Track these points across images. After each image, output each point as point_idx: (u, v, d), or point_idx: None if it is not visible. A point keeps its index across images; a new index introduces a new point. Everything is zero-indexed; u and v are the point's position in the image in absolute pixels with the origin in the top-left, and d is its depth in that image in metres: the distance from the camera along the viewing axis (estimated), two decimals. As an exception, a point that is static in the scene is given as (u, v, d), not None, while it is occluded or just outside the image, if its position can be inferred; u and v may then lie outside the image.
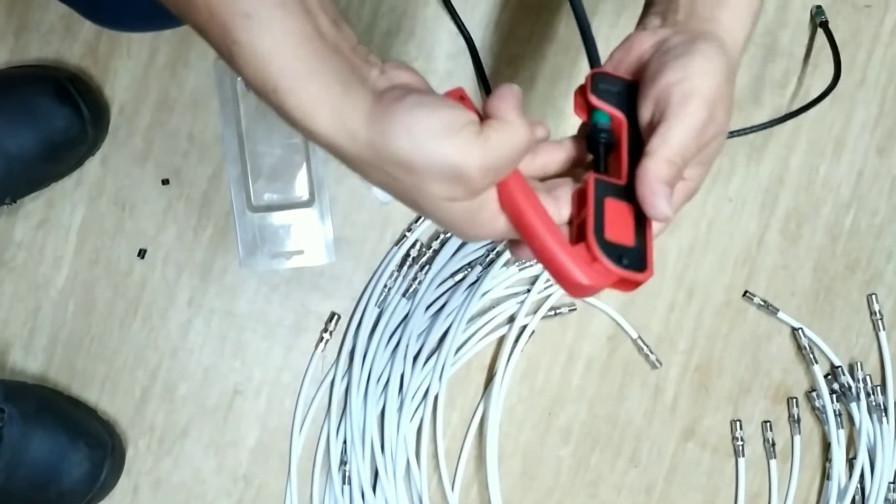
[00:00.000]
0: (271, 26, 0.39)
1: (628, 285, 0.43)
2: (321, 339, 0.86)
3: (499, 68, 0.87)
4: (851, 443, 0.91)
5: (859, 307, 0.92)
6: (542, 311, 0.87)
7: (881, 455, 0.89)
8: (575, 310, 0.88)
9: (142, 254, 0.85)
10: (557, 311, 0.88)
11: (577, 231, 0.44)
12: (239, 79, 0.84)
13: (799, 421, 0.91)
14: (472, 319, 0.87)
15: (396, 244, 0.87)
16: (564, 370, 0.89)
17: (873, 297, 0.92)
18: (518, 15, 0.87)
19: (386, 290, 0.86)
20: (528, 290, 0.87)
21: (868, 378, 0.90)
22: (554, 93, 0.88)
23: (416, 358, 0.85)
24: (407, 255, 0.86)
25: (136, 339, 0.85)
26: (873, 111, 0.91)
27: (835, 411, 0.89)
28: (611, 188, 0.44)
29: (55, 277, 0.85)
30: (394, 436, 0.84)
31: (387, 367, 0.85)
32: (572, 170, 0.48)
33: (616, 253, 0.42)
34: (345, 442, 0.85)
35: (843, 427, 0.89)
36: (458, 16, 0.86)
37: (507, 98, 0.42)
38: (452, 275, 0.86)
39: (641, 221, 0.44)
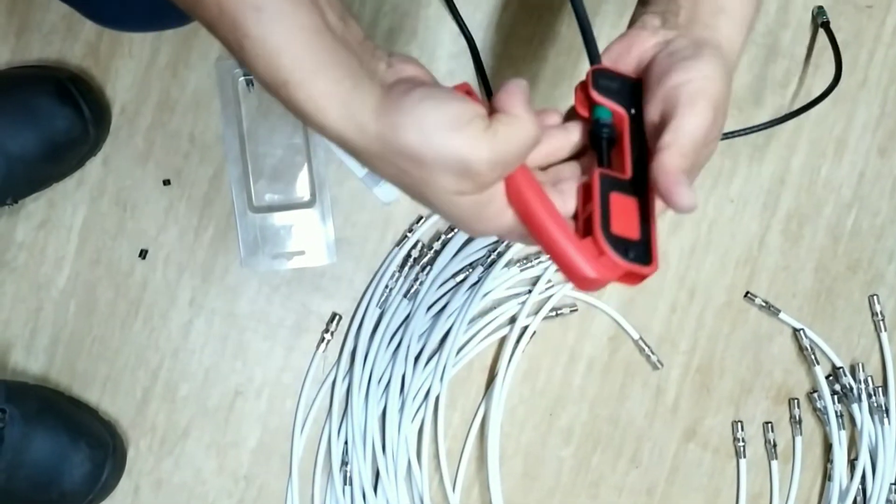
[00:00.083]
0: (282, 20, 0.39)
1: (634, 278, 0.43)
2: (322, 339, 0.86)
3: (500, 69, 0.87)
4: (853, 444, 0.91)
5: (861, 308, 0.92)
6: (544, 312, 0.87)
7: (882, 456, 0.89)
8: (576, 310, 0.88)
9: (143, 254, 0.85)
10: (559, 312, 0.88)
11: (584, 225, 0.44)
12: (240, 79, 0.84)
13: (800, 422, 0.90)
14: (473, 320, 0.87)
15: (398, 245, 0.87)
16: (566, 371, 0.89)
17: (875, 297, 0.91)
18: (520, 16, 0.87)
19: (387, 290, 0.86)
20: (530, 291, 0.87)
21: (869, 379, 0.90)
22: (555, 93, 0.88)
23: (417, 358, 0.85)
24: (408, 255, 0.86)
25: (137, 340, 0.86)
26: (875, 112, 0.91)
27: (836, 412, 0.89)
28: (615, 182, 0.44)
29: (56, 278, 0.85)
30: (395, 436, 0.84)
31: (388, 368, 0.85)
32: (577, 156, 0.48)
33: (622, 246, 0.42)
34: (346, 442, 0.85)
35: (844, 428, 0.89)
36: (460, 16, 0.86)
37: (515, 93, 0.42)
38: (454, 275, 0.86)
39: (646, 215, 0.44)
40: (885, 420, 0.89)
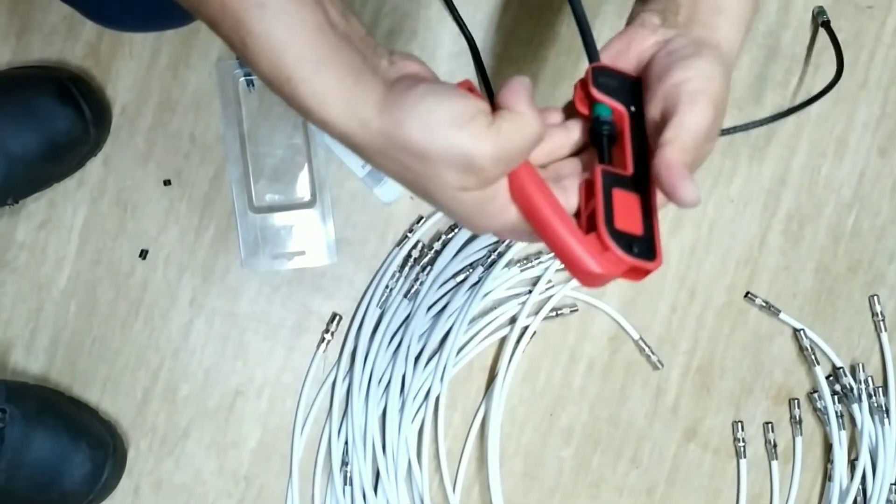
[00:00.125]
0: (285, 17, 0.39)
1: (638, 273, 0.44)
2: (323, 339, 0.86)
3: (500, 69, 0.87)
4: (853, 444, 0.91)
5: (861, 308, 0.92)
6: (544, 312, 0.87)
7: (883, 456, 0.89)
8: (576, 311, 0.88)
9: (143, 254, 0.85)
10: (559, 312, 0.88)
11: (587, 221, 0.44)
12: (241, 80, 0.84)
13: (800, 422, 0.90)
14: (473, 320, 0.87)
15: (398, 245, 0.87)
16: (566, 371, 0.89)
17: (875, 298, 0.91)
18: (520, 16, 0.88)
19: (387, 290, 0.86)
20: (530, 291, 0.87)
21: (870, 379, 0.90)
22: (556, 94, 0.88)
23: (417, 359, 0.85)
24: (408, 255, 0.86)
25: (137, 340, 0.86)
26: (875, 112, 0.91)
27: (836, 412, 0.89)
28: (617, 179, 0.45)
29: (57, 278, 0.85)
30: (395, 437, 0.84)
31: (388, 368, 0.85)
32: (576, 153, 0.49)
33: (626, 242, 0.43)
34: (346, 443, 0.85)
35: (844, 428, 0.89)
36: (460, 17, 0.86)
37: (518, 90, 0.42)
38: (454, 276, 0.86)
39: (648, 211, 0.45)
40: (886, 420, 0.89)
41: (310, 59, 0.40)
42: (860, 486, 0.89)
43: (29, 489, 0.78)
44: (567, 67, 0.88)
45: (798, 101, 0.89)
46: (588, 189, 0.45)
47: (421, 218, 0.86)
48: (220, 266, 0.86)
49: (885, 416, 0.89)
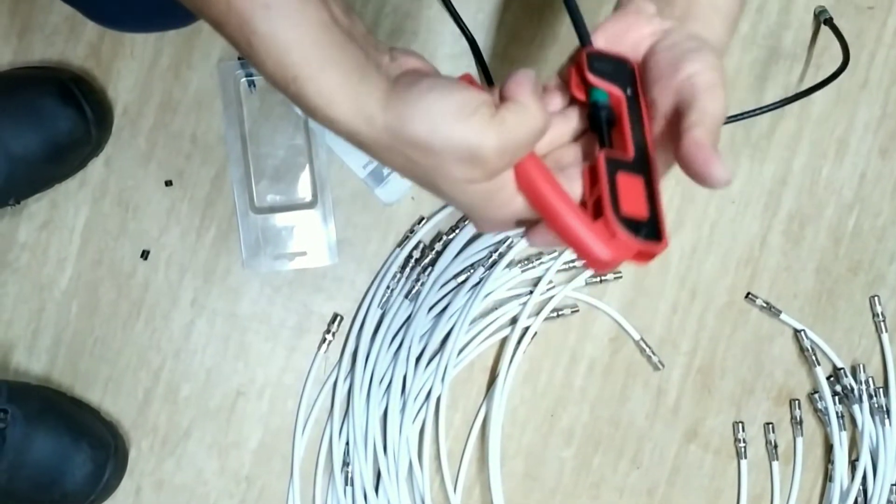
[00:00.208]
0: (291, 16, 0.39)
1: (646, 256, 0.44)
2: (324, 340, 0.86)
3: (501, 70, 0.87)
4: (854, 445, 0.91)
5: (862, 309, 0.92)
6: (545, 313, 0.87)
7: (883, 457, 0.89)
8: (577, 311, 0.88)
9: (145, 255, 0.85)
10: (560, 313, 0.88)
11: (593, 207, 0.44)
12: (242, 80, 0.84)
13: (801, 423, 0.90)
14: (474, 321, 0.87)
15: (399, 245, 0.87)
16: (567, 372, 0.89)
17: (876, 298, 0.91)
18: (521, 17, 0.88)
19: (389, 291, 0.86)
20: (531, 292, 0.87)
21: (870, 380, 0.90)
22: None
23: (418, 359, 0.85)
24: (409, 256, 0.86)
25: (139, 340, 0.86)
26: (876, 112, 0.91)
27: (837, 413, 0.89)
28: (620, 163, 0.45)
29: (59, 278, 0.85)
30: (396, 437, 0.85)
31: (389, 369, 0.86)
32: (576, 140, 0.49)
33: (633, 226, 0.43)
34: (347, 443, 0.85)
35: (845, 429, 0.89)
36: (461, 17, 0.86)
37: (523, 82, 0.43)
38: (455, 276, 0.86)
39: (652, 194, 0.45)
40: (886, 421, 0.89)
41: (315, 58, 0.40)
42: (861, 487, 0.89)
43: (30, 489, 0.78)
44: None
45: (799, 101, 0.89)
46: (592, 175, 0.45)
47: (422, 218, 0.86)
48: (222, 266, 0.86)
49: (886, 416, 0.89)
